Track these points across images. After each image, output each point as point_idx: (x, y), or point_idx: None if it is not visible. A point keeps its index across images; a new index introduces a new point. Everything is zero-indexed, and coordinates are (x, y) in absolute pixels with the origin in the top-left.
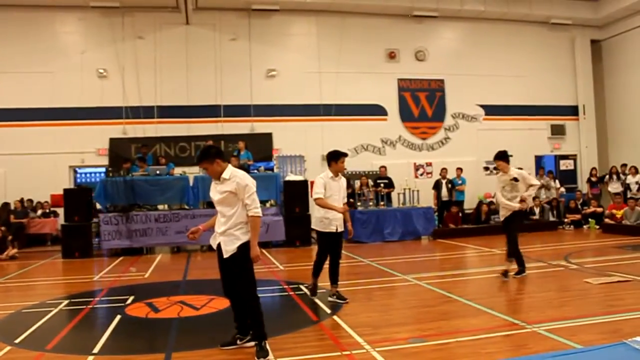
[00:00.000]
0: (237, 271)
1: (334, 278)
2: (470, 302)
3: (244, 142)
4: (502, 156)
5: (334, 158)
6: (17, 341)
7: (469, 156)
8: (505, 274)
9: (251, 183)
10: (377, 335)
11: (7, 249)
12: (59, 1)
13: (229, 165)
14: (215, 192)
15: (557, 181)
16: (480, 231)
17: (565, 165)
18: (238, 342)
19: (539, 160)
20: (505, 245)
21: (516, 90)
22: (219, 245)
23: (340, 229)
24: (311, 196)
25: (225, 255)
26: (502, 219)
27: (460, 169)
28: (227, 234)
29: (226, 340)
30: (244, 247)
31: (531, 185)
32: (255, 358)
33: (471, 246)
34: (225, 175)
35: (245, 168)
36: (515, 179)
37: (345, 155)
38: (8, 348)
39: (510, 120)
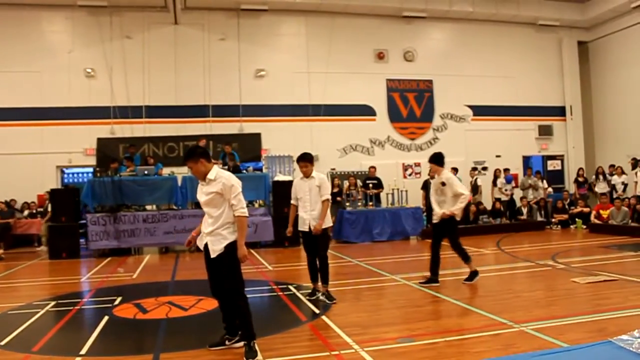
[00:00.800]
0: (224, 271)
1: (322, 278)
2: (458, 302)
3: (230, 145)
4: (435, 158)
5: (297, 160)
6: (2, 343)
7: (457, 156)
8: (472, 276)
9: (237, 183)
10: (365, 335)
11: None
12: (46, 0)
13: (215, 166)
14: (202, 194)
15: (544, 181)
16: (469, 231)
17: (553, 165)
18: (227, 342)
19: (526, 160)
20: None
21: (504, 90)
22: (206, 245)
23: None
24: None
25: (213, 255)
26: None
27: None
28: (214, 234)
29: (215, 340)
30: (231, 247)
31: (457, 195)
32: (244, 358)
33: None
34: (210, 176)
35: (238, 169)
36: (443, 183)
37: (301, 159)
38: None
39: (498, 121)
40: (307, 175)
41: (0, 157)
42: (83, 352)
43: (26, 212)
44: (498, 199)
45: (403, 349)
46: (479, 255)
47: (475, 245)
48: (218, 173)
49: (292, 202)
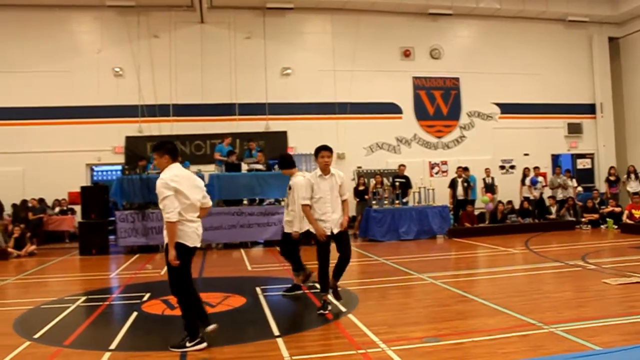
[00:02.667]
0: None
1: (335, 274)
2: (486, 302)
3: (255, 142)
4: (281, 162)
5: (315, 154)
6: (36, 336)
7: (484, 155)
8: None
9: (163, 187)
10: (392, 334)
11: (26, 246)
12: (75, 1)
13: (172, 166)
14: None
15: (574, 180)
16: (497, 230)
17: (583, 164)
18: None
19: (555, 159)
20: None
21: (532, 88)
22: None
23: (336, 229)
24: None
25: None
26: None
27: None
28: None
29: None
30: (167, 248)
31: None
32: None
33: (487, 245)
34: (162, 174)
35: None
36: (289, 187)
37: (325, 149)
38: (27, 343)
39: (526, 119)
40: (327, 169)
41: (31, 155)
42: (112, 346)
43: (57, 209)
44: (527, 198)
45: (429, 349)
46: (507, 255)
47: (503, 245)
48: (167, 173)
49: (307, 202)
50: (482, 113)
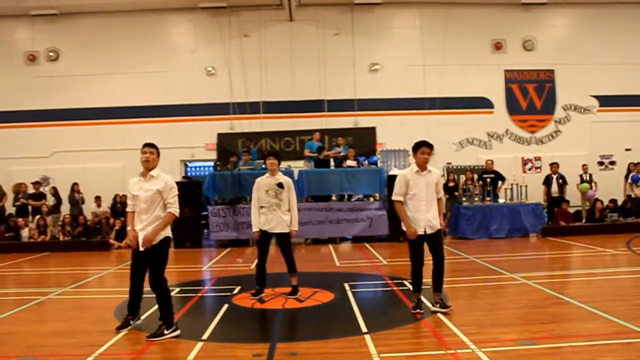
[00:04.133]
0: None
1: (436, 285)
2: (583, 305)
3: (344, 138)
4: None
5: (414, 149)
6: (135, 324)
7: (581, 150)
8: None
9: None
10: (483, 335)
11: (126, 238)
12: (171, 4)
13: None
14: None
15: None
16: (594, 230)
17: None
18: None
19: None
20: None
21: (634, 78)
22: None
23: (430, 230)
24: None
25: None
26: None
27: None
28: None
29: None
30: (165, 242)
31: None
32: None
33: (584, 245)
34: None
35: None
36: (281, 185)
37: (426, 144)
38: (127, 329)
39: (628, 112)
40: (425, 166)
41: (130, 152)
42: (205, 337)
43: None
44: (629, 196)
45: (524, 352)
46: (606, 256)
47: (601, 245)
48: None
49: (400, 198)
50: (579, 106)
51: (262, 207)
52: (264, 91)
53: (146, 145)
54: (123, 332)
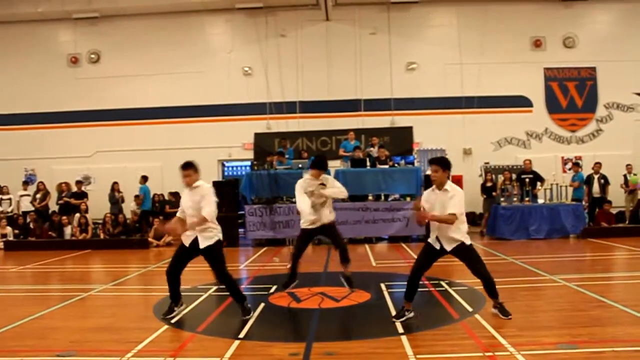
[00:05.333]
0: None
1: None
2: (627, 309)
3: (378, 138)
4: (317, 164)
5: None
6: (172, 321)
7: (624, 149)
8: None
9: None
10: (522, 338)
11: (164, 237)
12: (208, 5)
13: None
14: None
15: None
16: (638, 231)
17: None
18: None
19: None
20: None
21: None
22: None
23: (448, 246)
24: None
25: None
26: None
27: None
28: None
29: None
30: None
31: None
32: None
33: (627, 247)
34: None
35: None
36: (323, 185)
37: (432, 161)
38: (165, 327)
39: None
40: (437, 184)
41: (168, 152)
42: (241, 335)
43: None
44: None
45: (564, 356)
46: None
47: None
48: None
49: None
50: (622, 104)
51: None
52: (300, 91)
53: (182, 168)
54: (162, 329)
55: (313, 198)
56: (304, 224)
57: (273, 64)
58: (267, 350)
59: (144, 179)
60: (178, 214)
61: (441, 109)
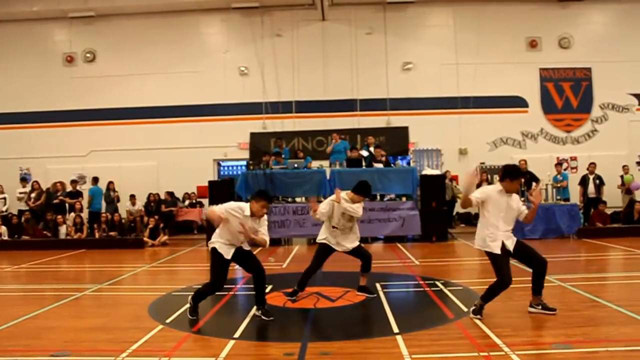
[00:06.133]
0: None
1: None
2: (621, 309)
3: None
4: (359, 189)
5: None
6: (167, 321)
7: (619, 150)
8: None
9: None
10: (517, 338)
11: (159, 236)
12: (204, 5)
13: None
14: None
15: None
16: (633, 232)
17: None
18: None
19: None
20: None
21: None
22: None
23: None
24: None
25: None
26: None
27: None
28: None
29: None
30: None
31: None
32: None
33: (621, 247)
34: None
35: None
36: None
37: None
38: (160, 326)
39: None
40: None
41: (164, 152)
42: (237, 335)
43: (187, 202)
44: None
45: (559, 356)
46: None
47: (639, 247)
48: None
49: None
50: (617, 105)
51: (334, 227)
52: (296, 91)
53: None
54: (157, 329)
55: (343, 220)
56: (326, 240)
57: (269, 63)
58: (263, 350)
59: (95, 180)
60: (222, 215)
61: (437, 109)
